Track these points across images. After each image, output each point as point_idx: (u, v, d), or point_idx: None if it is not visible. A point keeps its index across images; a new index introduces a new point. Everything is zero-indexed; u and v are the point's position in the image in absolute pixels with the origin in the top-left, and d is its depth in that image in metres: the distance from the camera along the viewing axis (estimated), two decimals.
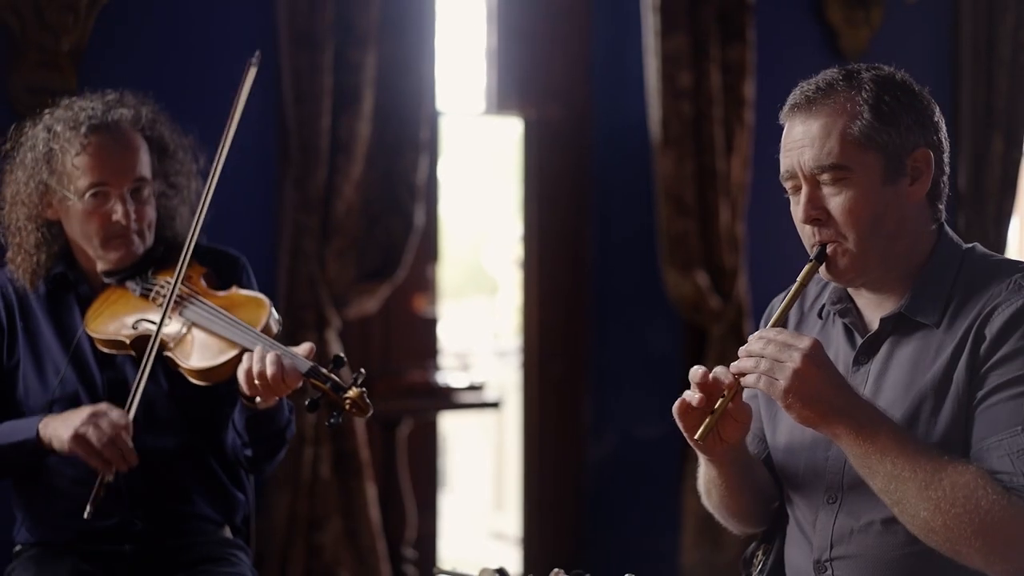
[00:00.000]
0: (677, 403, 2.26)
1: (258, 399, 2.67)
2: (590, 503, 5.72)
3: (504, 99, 5.52)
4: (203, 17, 4.46)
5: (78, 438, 2.61)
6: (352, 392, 2.58)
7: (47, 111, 2.86)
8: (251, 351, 2.62)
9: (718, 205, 5.30)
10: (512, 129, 5.82)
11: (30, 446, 2.69)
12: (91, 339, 2.80)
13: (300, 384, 2.62)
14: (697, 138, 5.30)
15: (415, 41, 4.75)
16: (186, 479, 2.87)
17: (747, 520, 2.57)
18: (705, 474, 2.50)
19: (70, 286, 2.87)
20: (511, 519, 6.61)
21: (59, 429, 2.65)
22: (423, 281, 5.39)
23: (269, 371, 2.57)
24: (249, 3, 4.57)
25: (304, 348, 2.66)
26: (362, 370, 2.67)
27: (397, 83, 4.73)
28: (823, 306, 2.46)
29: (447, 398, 5.07)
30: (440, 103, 5.17)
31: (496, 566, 2.36)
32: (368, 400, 2.60)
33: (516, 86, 5.53)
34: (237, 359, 2.65)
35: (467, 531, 7.46)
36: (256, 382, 2.59)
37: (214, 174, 2.79)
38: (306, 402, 2.61)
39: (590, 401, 5.71)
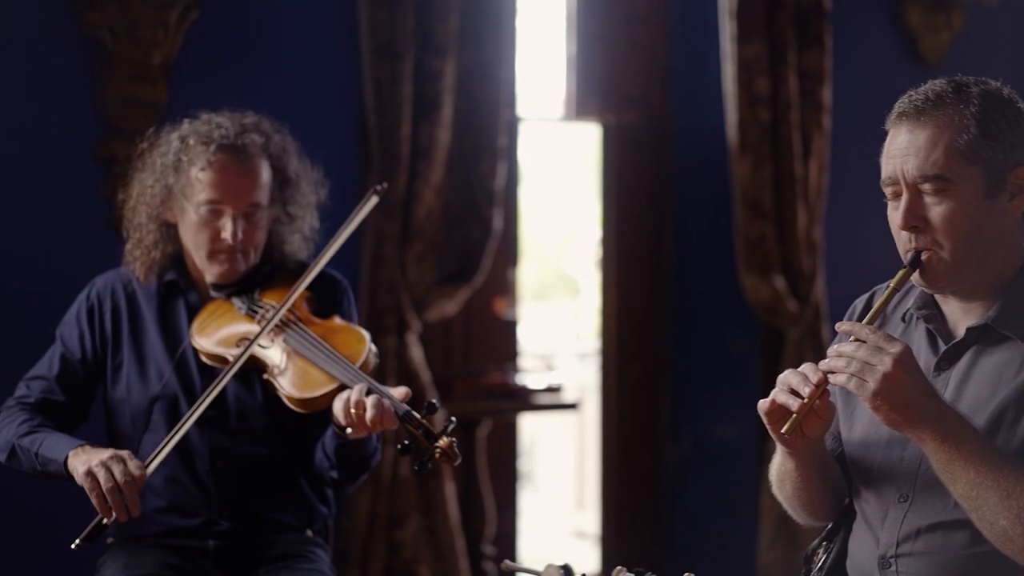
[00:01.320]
0: (766, 402, 2.32)
1: (350, 431, 2.76)
2: (668, 503, 5.78)
3: (583, 105, 5.60)
4: (288, 29, 4.60)
5: (89, 474, 2.71)
6: (443, 442, 2.66)
7: (186, 120, 3.00)
8: (350, 387, 2.71)
9: (795, 209, 5.34)
10: (591, 134, 5.89)
11: (57, 467, 2.81)
12: (195, 349, 2.92)
13: (395, 427, 2.70)
14: (774, 143, 5.34)
15: (494, 49, 4.85)
16: (272, 487, 2.98)
17: (816, 513, 2.62)
18: (781, 466, 2.55)
19: (179, 292, 3.00)
20: (592, 518, 6.69)
21: (80, 462, 2.75)
22: (504, 284, 5.48)
23: (368, 413, 2.66)
24: (332, 15, 4.70)
25: (400, 392, 2.74)
26: (453, 418, 2.76)
27: (476, 90, 4.83)
28: (907, 310, 2.51)
29: (525, 399, 5.14)
30: (520, 109, 5.28)
31: (561, 563, 2.43)
32: (457, 450, 2.68)
33: (595, 92, 5.61)
34: (335, 393, 2.74)
35: (549, 530, 7.55)
36: (353, 419, 2.68)
37: (329, 248, 2.92)
38: (398, 446, 2.71)
39: (668, 402, 5.77)
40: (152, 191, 2.94)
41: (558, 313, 9.69)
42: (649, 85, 5.70)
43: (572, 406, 5.39)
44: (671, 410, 5.78)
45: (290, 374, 2.81)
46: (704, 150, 5.65)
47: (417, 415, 2.67)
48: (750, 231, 5.35)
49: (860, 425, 2.50)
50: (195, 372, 2.93)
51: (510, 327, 5.54)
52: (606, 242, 5.78)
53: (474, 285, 4.90)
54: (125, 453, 2.76)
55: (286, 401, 2.80)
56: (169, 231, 2.98)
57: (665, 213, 5.73)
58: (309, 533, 3.04)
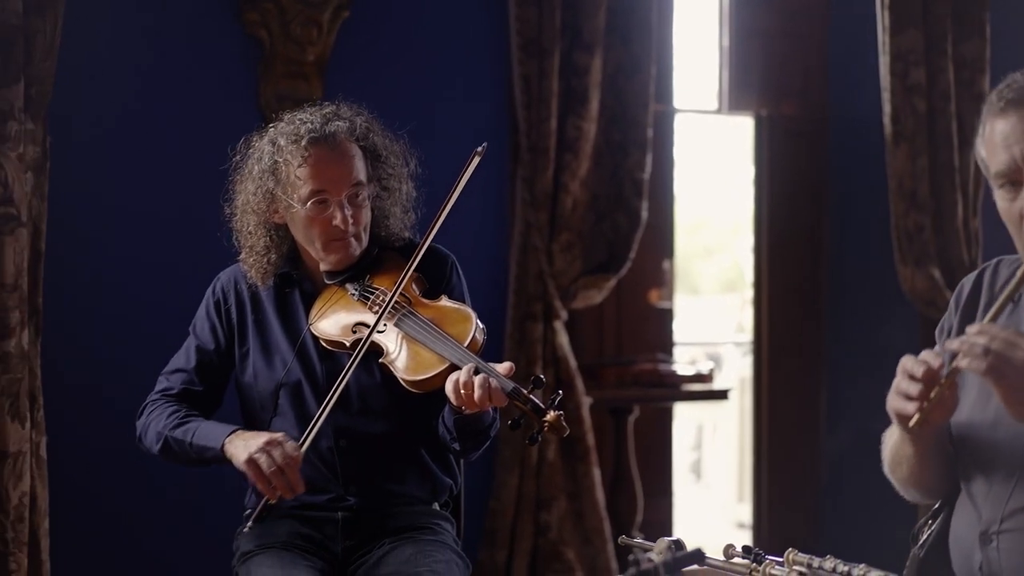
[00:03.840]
0: (897, 398, 2.32)
1: (464, 408, 2.88)
2: (825, 495, 5.77)
3: (738, 97, 5.64)
4: (438, 26, 4.77)
5: (251, 462, 2.86)
6: (550, 416, 2.72)
7: (271, 125, 3.11)
8: (459, 367, 2.84)
9: (954, 200, 5.30)
10: (745, 127, 5.92)
11: (214, 454, 2.97)
12: (315, 336, 3.08)
13: (505, 404, 2.81)
14: (931, 133, 5.30)
15: (641, 44, 4.94)
16: (397, 462, 3.09)
17: (929, 493, 2.63)
18: (898, 450, 2.56)
19: (295, 284, 3.14)
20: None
21: (239, 449, 2.90)
22: (658, 275, 5.55)
23: (477, 393, 2.75)
24: (481, 12, 4.86)
25: (504, 367, 2.83)
26: (559, 391, 2.84)
27: (623, 84, 4.93)
28: (1020, 292, 2.50)
29: (675, 387, 5.21)
30: (674, 102, 5.35)
31: (674, 537, 2.48)
32: (564, 423, 2.74)
33: (750, 84, 5.64)
34: (446, 373, 2.84)
35: (712, 521, 7.58)
36: (463, 396, 2.80)
37: (435, 225, 2.97)
38: (508, 422, 2.81)
39: (826, 394, 5.76)
40: (256, 198, 3.04)
41: (719, 305, 9.68)
42: (807, 77, 5.71)
43: (723, 395, 5.43)
44: (828, 403, 5.76)
45: (403, 357, 2.93)
46: (861, 141, 5.63)
47: (524, 391, 2.75)
48: (907, 222, 5.32)
49: (965, 406, 2.50)
50: (315, 358, 3.07)
51: (665, 317, 5.60)
52: (762, 234, 5.81)
53: (621, 275, 4.98)
54: (280, 436, 2.90)
55: (401, 382, 2.92)
56: (279, 233, 3.09)
57: (822, 205, 5.73)
58: (436, 506, 3.17)
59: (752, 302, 5.93)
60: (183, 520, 4.42)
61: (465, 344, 2.87)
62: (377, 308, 2.97)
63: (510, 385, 2.75)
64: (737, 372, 7.81)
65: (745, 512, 7.38)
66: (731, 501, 7.84)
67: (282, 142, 3.01)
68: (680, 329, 6.00)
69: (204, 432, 3.01)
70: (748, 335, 6.13)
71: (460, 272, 3.18)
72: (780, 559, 2.43)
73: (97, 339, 4.33)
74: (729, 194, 9.65)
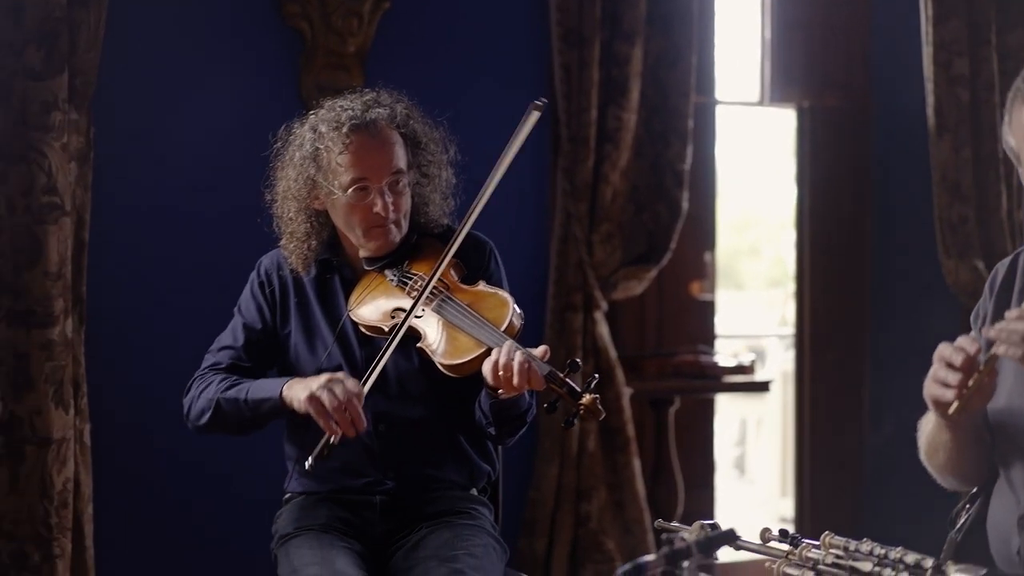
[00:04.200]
0: (935, 386, 2.32)
1: (500, 391, 2.88)
2: (868, 488, 5.74)
3: (779, 89, 5.62)
4: (478, 16, 4.79)
5: (312, 399, 2.86)
6: (586, 399, 2.73)
7: (311, 112, 3.13)
8: (496, 351, 2.84)
9: (998, 191, 5.26)
10: (786, 119, 5.90)
11: (273, 404, 2.98)
12: (354, 322, 3.10)
13: (543, 388, 2.80)
14: (975, 124, 5.27)
15: (682, 34, 4.94)
16: (434, 447, 3.10)
17: (966, 480, 2.63)
18: (935, 437, 2.56)
19: (335, 270, 3.16)
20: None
21: (298, 391, 2.91)
22: (700, 267, 5.54)
23: (515, 375, 2.77)
24: (522, 2, 4.88)
25: (540, 351, 2.84)
26: (596, 375, 2.84)
27: (664, 75, 4.93)
28: None
29: (715, 378, 5.19)
30: (715, 93, 5.34)
31: (710, 521, 2.48)
32: (600, 406, 2.76)
33: (792, 76, 5.63)
34: (483, 357, 2.85)
35: (756, 515, 7.56)
36: (500, 379, 2.80)
37: (482, 196, 2.97)
38: (544, 405, 2.83)
39: (869, 387, 5.73)
40: (297, 184, 3.06)
41: (762, 298, 9.66)
42: (849, 68, 5.69)
43: (764, 386, 5.42)
44: (871, 396, 5.74)
45: (441, 341, 2.94)
46: (904, 133, 5.60)
47: (560, 374, 2.76)
48: (950, 214, 5.29)
49: (1004, 392, 2.49)
50: (355, 344, 3.09)
51: (707, 310, 5.59)
52: (804, 227, 5.79)
53: (662, 266, 4.98)
54: (340, 374, 2.92)
55: (439, 367, 2.93)
56: (319, 219, 3.11)
57: (864, 197, 5.70)
58: (474, 492, 3.18)
59: (794, 295, 5.91)
60: (223, 504, 4.45)
61: (502, 328, 2.88)
62: (415, 293, 2.98)
63: (547, 368, 2.76)
64: (780, 366, 7.78)
65: (788, 507, 7.36)
66: (774, 496, 7.82)
67: (323, 129, 3.02)
68: (723, 323, 5.97)
69: (258, 386, 3.03)
70: (791, 328, 6.10)
71: (499, 259, 3.19)
72: (816, 542, 2.44)
73: (140, 328, 4.38)
74: (775, 192, 9.63)
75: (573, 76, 4.79)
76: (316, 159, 3.02)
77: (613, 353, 4.89)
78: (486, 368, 2.81)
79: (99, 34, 3.87)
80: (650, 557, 2.08)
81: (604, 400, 4.85)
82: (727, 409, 8.14)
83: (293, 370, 3.13)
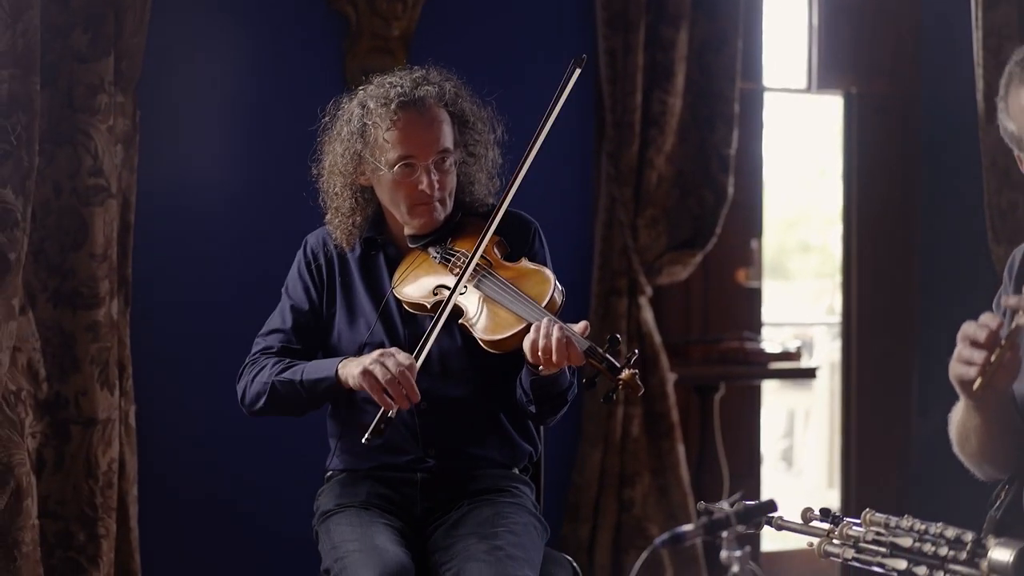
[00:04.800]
0: (959, 365, 2.31)
1: (541, 368, 2.87)
2: (915, 479, 5.70)
3: (827, 75, 5.58)
4: (522, 1, 4.78)
5: (366, 373, 2.88)
6: (625, 374, 2.72)
7: (361, 88, 3.13)
8: (537, 326, 2.83)
9: None
10: (833, 105, 5.85)
11: (329, 383, 3.00)
12: (398, 300, 3.11)
13: (582, 363, 2.80)
14: None
15: (728, 18, 4.92)
16: (476, 425, 3.10)
17: (1000, 466, 2.60)
18: (965, 423, 2.54)
19: (379, 248, 3.17)
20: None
21: (352, 367, 2.93)
22: (746, 254, 5.51)
23: (554, 351, 2.77)
24: None
25: (580, 326, 2.84)
26: (636, 351, 2.83)
27: (709, 59, 4.91)
28: None
29: (761, 365, 5.17)
30: (762, 80, 5.31)
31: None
32: (639, 382, 2.74)
33: (840, 62, 5.58)
34: (523, 332, 2.85)
35: (800, 506, 7.50)
36: (540, 355, 2.80)
37: (525, 159, 2.98)
38: (583, 380, 2.82)
39: (917, 377, 5.69)
40: (343, 159, 3.07)
41: (810, 287, 9.60)
42: (898, 54, 5.64)
43: (811, 373, 5.38)
44: (919, 385, 5.69)
45: (482, 317, 2.94)
46: (954, 119, 5.54)
47: (600, 349, 2.76)
48: (1000, 200, 5.22)
49: None
50: (398, 321, 3.09)
51: (753, 297, 5.57)
52: (851, 214, 5.74)
53: (707, 251, 4.96)
54: (392, 348, 2.94)
55: (480, 343, 2.94)
56: (364, 195, 3.12)
57: (913, 184, 5.66)
58: (515, 471, 3.18)
59: (841, 284, 5.86)
60: (265, 483, 4.48)
61: (543, 304, 2.88)
62: (458, 270, 2.99)
63: (586, 344, 2.76)
64: (828, 356, 7.73)
65: (834, 498, 7.32)
66: (821, 487, 7.78)
67: (371, 105, 3.03)
68: (769, 312, 5.94)
69: (313, 367, 3.05)
70: (838, 317, 6.06)
71: (543, 239, 3.19)
72: (857, 520, 2.42)
73: (185, 310, 4.40)
74: (823, 185, 9.56)
75: (618, 60, 4.78)
76: (363, 135, 3.03)
77: (657, 338, 4.88)
78: (526, 344, 2.81)
79: (145, 17, 3.89)
80: (688, 527, 2.07)
81: (648, 385, 4.85)
82: (774, 401, 8.10)
83: (335, 350, 3.14)
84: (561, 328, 2.77)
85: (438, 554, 2.95)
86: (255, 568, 4.52)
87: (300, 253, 3.23)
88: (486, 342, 2.92)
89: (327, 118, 3.16)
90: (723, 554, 2.07)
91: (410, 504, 3.07)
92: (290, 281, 3.23)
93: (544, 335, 2.77)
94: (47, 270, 3.78)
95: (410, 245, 3.13)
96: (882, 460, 5.72)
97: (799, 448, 8.82)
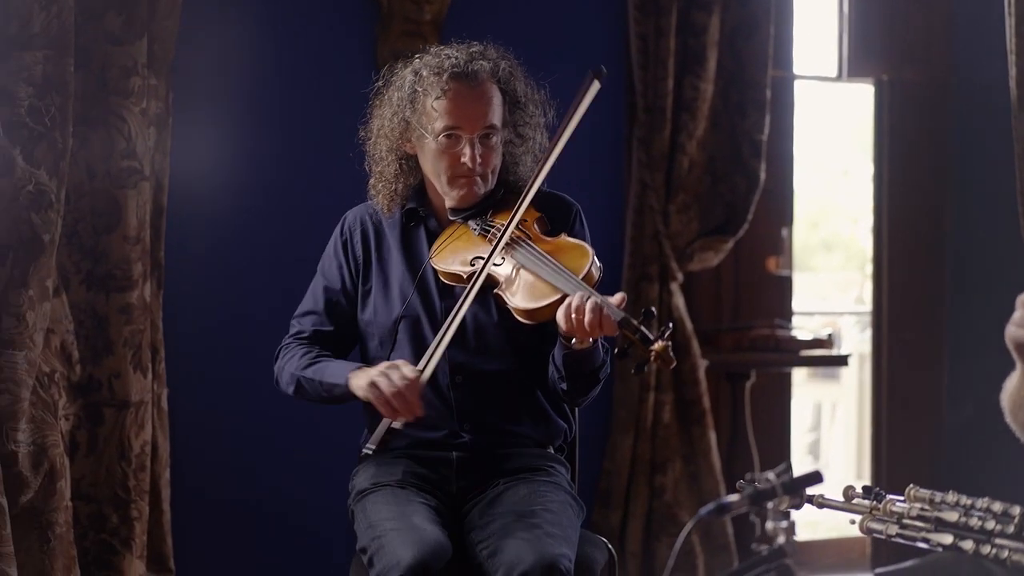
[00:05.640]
0: (1016, 329, 2.29)
1: (574, 340, 2.87)
2: (947, 470, 5.67)
3: (858, 63, 5.56)
4: None
5: (372, 385, 2.92)
6: (658, 345, 2.69)
7: (417, 56, 3.15)
8: (571, 296, 2.84)
9: None
10: (865, 94, 5.82)
11: (340, 390, 3.04)
12: (435, 270, 3.11)
13: (615, 333, 2.79)
14: None
15: (759, 3, 4.90)
16: (511, 401, 3.10)
17: None
18: (1020, 389, 2.51)
19: (420, 220, 3.17)
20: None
21: (360, 379, 2.97)
22: (777, 243, 5.49)
23: (587, 317, 2.75)
24: None
25: (617, 298, 2.83)
26: (670, 324, 2.81)
27: (741, 45, 4.89)
28: None
29: (793, 352, 5.14)
30: (793, 67, 5.29)
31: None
32: (672, 354, 2.72)
33: (871, 49, 5.55)
34: (558, 303, 2.84)
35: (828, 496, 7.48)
36: (573, 323, 2.79)
37: (548, 154, 2.99)
38: (615, 350, 2.81)
39: (948, 367, 5.66)
40: (391, 124, 3.09)
41: (838, 277, 9.57)
42: (929, 41, 5.61)
43: (843, 360, 5.35)
44: (950, 376, 5.66)
45: (518, 287, 2.93)
46: (986, 106, 5.50)
47: (634, 321, 2.74)
48: None
49: None
50: (435, 292, 3.09)
51: (783, 285, 5.54)
52: (882, 204, 5.71)
53: (739, 237, 4.94)
54: (399, 361, 2.95)
55: (514, 314, 2.93)
56: (409, 163, 3.13)
57: (944, 172, 5.62)
58: (550, 450, 3.17)
59: (872, 273, 5.83)
60: (299, 463, 4.47)
61: (581, 277, 2.87)
62: (496, 240, 2.98)
63: (621, 314, 2.74)
64: (855, 348, 7.70)
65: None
66: (849, 480, 7.75)
67: (424, 72, 3.05)
68: (797, 302, 5.91)
69: (331, 371, 3.08)
70: (867, 306, 6.03)
71: (584, 221, 3.18)
72: (900, 497, 2.40)
73: (217, 293, 4.40)
74: (848, 185, 9.55)
75: (650, 45, 4.76)
76: (413, 101, 3.05)
77: (689, 325, 4.86)
78: (559, 313, 2.80)
79: (178, 0, 3.90)
80: (734, 496, 2.05)
81: (680, 372, 4.83)
82: (801, 395, 8.07)
83: (369, 327, 3.15)
84: (596, 298, 2.76)
85: (474, 532, 2.94)
86: (288, 550, 4.52)
87: (337, 230, 3.24)
88: (520, 312, 2.91)
89: (381, 82, 3.18)
90: (768, 525, 2.05)
91: (446, 483, 3.06)
92: (325, 259, 3.25)
93: (578, 304, 2.76)
94: (80, 252, 3.79)
95: (450, 218, 3.13)
96: (913, 450, 5.68)
97: (826, 441, 8.79)
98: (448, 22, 4.51)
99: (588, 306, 2.74)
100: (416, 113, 3.05)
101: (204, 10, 4.20)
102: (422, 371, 2.94)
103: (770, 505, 2.06)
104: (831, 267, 9.94)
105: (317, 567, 4.51)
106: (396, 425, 2.95)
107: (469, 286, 2.95)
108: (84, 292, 3.80)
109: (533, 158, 3.15)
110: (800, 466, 5.50)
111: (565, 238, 3.05)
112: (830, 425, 8.75)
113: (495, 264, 2.96)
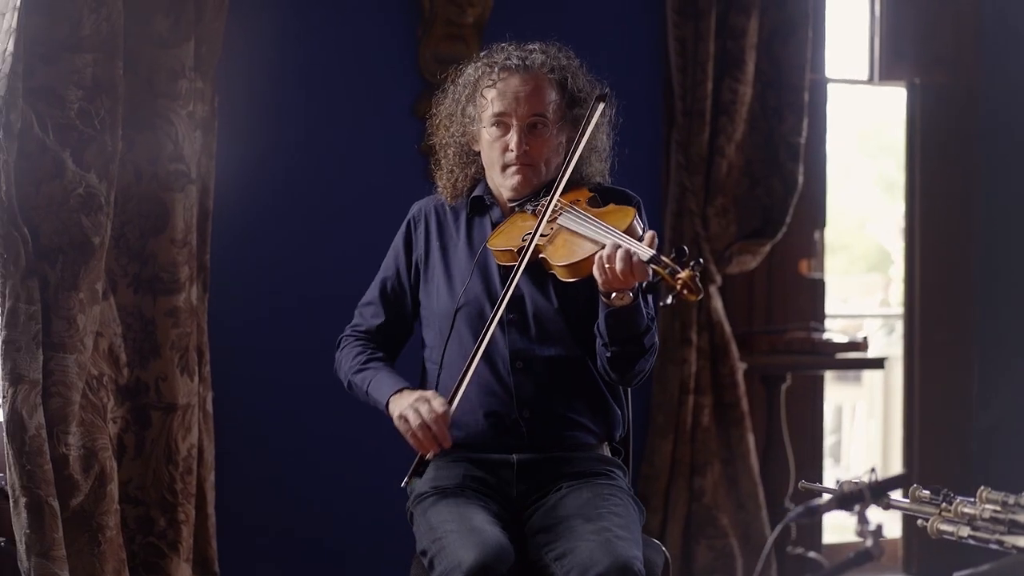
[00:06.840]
0: None
1: (613, 296, 2.86)
2: (976, 472, 5.66)
3: (890, 67, 5.55)
4: None
5: (401, 418, 3.00)
6: (684, 273, 2.65)
7: (483, 52, 3.23)
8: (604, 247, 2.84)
9: None
10: (896, 98, 5.82)
11: (382, 408, 3.11)
12: (492, 254, 3.12)
13: (647, 276, 2.74)
14: None
15: (798, 6, 4.90)
16: (569, 386, 3.11)
17: None
18: None
19: (486, 210, 3.21)
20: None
21: (396, 406, 3.04)
22: (809, 246, 5.48)
23: (618, 266, 2.76)
24: None
25: (648, 237, 2.83)
26: (700, 259, 2.75)
27: (779, 48, 4.89)
28: None
29: (828, 355, 5.14)
30: (826, 71, 5.28)
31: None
32: (699, 283, 2.68)
33: (903, 53, 5.55)
34: (596, 256, 2.86)
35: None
36: (608, 276, 2.79)
37: (567, 166, 3.04)
38: (642, 285, 2.79)
39: (977, 370, 5.66)
40: (453, 117, 3.18)
41: (867, 281, 9.57)
42: (959, 45, 5.60)
43: (878, 363, 5.34)
44: (980, 378, 5.66)
45: (559, 247, 2.96)
46: (1016, 109, 5.52)
47: (664, 257, 2.71)
48: None
49: None
50: (496, 278, 3.12)
51: (816, 287, 5.54)
52: (914, 206, 5.71)
53: (776, 241, 4.94)
54: (429, 393, 3.01)
55: (558, 275, 2.95)
56: (471, 156, 3.20)
57: (974, 176, 5.62)
58: (607, 451, 3.18)
59: (904, 275, 5.83)
60: (355, 463, 4.46)
61: (622, 231, 2.86)
62: (541, 212, 3.03)
63: (649, 253, 2.73)
64: (882, 350, 7.68)
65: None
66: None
67: (482, 65, 3.15)
68: (828, 301, 5.90)
69: (376, 385, 3.15)
70: (897, 309, 6.02)
71: (643, 214, 3.14)
72: (971, 499, 2.40)
73: (263, 297, 4.40)
74: (853, 187, 9.54)
75: (688, 48, 4.76)
76: (471, 93, 3.14)
77: (727, 328, 4.86)
78: (595, 268, 2.81)
79: (224, 3, 3.90)
80: (822, 500, 2.06)
81: (718, 375, 4.84)
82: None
83: (431, 316, 3.19)
84: (626, 245, 2.77)
85: (539, 536, 2.94)
86: (333, 556, 4.51)
87: (404, 223, 3.31)
88: (561, 268, 2.92)
89: (448, 77, 3.26)
90: (857, 528, 2.06)
91: (506, 487, 3.07)
92: (391, 249, 3.32)
93: (609, 253, 2.78)
94: (128, 255, 3.79)
95: (511, 206, 3.15)
96: (943, 451, 5.68)
97: (847, 444, 8.78)
98: (490, 25, 4.51)
99: (618, 255, 2.76)
100: (473, 103, 3.14)
101: (247, 13, 4.20)
102: (451, 403, 2.98)
103: (857, 508, 2.07)
104: (835, 270, 9.93)
105: (365, 572, 4.50)
106: (428, 457, 3.01)
107: (520, 259, 2.96)
108: (131, 295, 3.79)
109: (598, 156, 3.18)
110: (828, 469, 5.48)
111: (613, 207, 3.06)
112: (850, 427, 8.74)
113: (542, 236, 2.98)
